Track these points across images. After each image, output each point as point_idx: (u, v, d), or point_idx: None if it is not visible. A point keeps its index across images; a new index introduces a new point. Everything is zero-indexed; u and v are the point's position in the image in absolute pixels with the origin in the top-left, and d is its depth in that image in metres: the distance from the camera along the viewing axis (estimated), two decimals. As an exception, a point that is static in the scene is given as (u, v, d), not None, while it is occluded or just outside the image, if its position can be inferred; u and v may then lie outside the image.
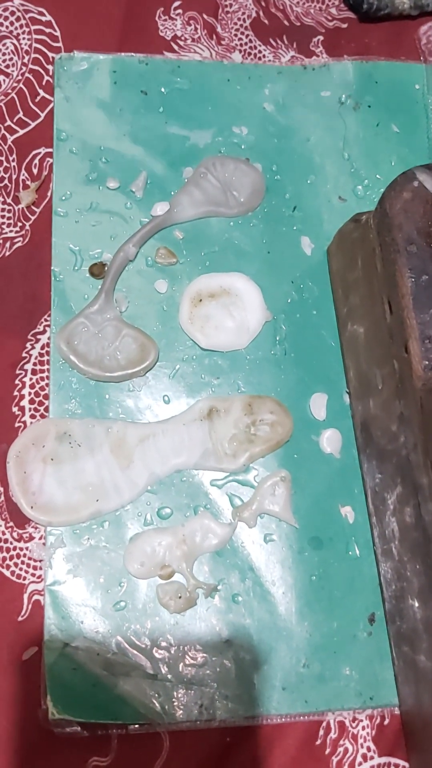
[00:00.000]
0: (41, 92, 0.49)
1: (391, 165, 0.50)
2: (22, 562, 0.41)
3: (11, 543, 0.41)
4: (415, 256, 0.35)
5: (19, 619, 0.41)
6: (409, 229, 0.35)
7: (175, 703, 0.40)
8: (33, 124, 0.48)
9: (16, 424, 0.43)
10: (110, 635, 0.40)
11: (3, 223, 0.46)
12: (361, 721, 0.42)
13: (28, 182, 0.47)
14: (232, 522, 0.43)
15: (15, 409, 0.43)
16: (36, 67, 0.49)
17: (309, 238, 0.48)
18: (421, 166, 0.37)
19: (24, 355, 0.44)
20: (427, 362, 0.34)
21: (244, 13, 0.52)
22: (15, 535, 0.42)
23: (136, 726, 0.39)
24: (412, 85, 0.51)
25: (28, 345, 0.44)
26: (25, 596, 0.41)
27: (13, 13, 0.49)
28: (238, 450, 0.43)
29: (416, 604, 0.38)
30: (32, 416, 0.43)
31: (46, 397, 0.44)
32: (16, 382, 0.44)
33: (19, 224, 0.46)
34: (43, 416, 0.43)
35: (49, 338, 0.44)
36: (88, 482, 0.42)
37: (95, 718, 0.39)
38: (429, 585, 0.36)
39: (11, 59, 0.49)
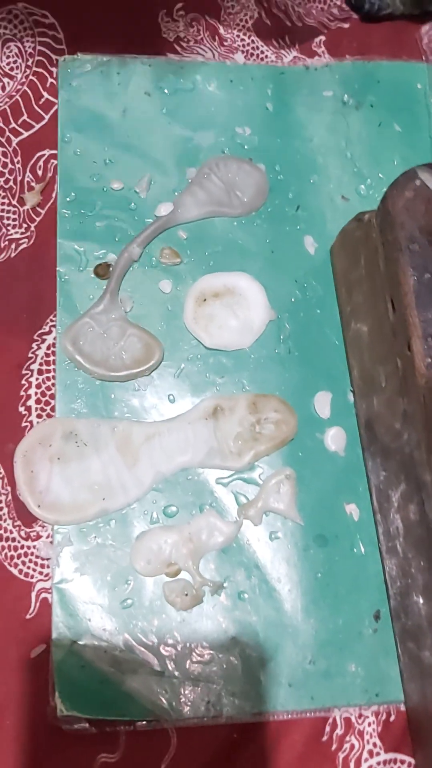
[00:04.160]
0: (45, 94, 0.49)
1: (393, 164, 0.50)
2: (30, 561, 0.42)
3: (19, 542, 0.42)
4: (417, 254, 0.35)
5: (27, 617, 0.41)
6: (411, 228, 0.36)
7: (182, 700, 0.40)
8: (37, 126, 0.48)
9: (23, 424, 0.43)
10: (117, 632, 0.41)
11: (8, 225, 0.47)
12: (367, 717, 0.42)
13: (33, 184, 0.47)
14: (237, 520, 0.43)
15: (21, 409, 0.44)
16: (40, 70, 0.49)
17: (312, 237, 0.48)
18: (422, 165, 0.37)
19: (30, 355, 0.45)
20: (429, 360, 0.34)
21: (246, 14, 0.52)
22: (23, 533, 0.42)
23: (144, 722, 0.40)
24: (414, 85, 0.52)
25: (34, 345, 0.45)
26: (33, 594, 0.41)
27: (16, 16, 0.50)
28: (243, 448, 0.44)
29: (421, 601, 0.38)
30: (39, 416, 0.44)
31: (53, 396, 0.44)
32: (23, 382, 0.44)
33: (24, 225, 0.47)
34: (49, 416, 0.44)
35: (54, 338, 0.45)
36: (94, 481, 0.42)
37: (103, 715, 0.39)
38: (433, 581, 0.36)
39: (15, 62, 0.49)
